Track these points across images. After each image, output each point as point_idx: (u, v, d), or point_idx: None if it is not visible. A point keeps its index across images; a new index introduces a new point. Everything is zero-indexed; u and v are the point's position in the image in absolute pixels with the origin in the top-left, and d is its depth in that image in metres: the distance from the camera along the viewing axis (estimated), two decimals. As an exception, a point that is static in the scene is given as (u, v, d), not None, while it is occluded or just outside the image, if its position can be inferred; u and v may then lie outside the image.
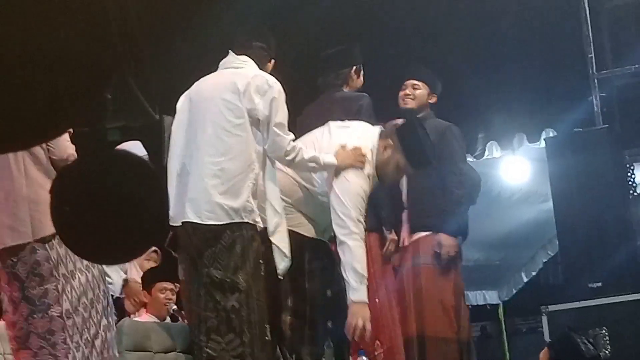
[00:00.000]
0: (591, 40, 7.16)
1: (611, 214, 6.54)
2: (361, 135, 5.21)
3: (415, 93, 6.21)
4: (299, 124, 5.68)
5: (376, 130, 5.30)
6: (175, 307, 6.30)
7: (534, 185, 9.34)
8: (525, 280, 11.03)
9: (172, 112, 4.99)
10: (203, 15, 6.36)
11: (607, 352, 6.05)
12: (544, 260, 10.88)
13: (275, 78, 4.89)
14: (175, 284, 6.28)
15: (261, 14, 6.20)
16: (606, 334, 6.07)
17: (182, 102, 4.95)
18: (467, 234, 6.07)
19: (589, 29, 7.15)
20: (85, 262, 4.57)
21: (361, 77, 5.99)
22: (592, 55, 7.17)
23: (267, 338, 4.71)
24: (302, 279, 5.01)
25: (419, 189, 5.95)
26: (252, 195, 4.70)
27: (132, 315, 6.39)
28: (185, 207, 4.64)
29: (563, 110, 8.08)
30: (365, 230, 5.19)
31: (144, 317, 6.23)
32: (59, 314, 4.48)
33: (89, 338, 4.52)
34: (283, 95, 4.82)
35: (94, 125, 1.75)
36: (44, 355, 4.47)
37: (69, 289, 4.52)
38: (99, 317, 4.62)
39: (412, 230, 6.01)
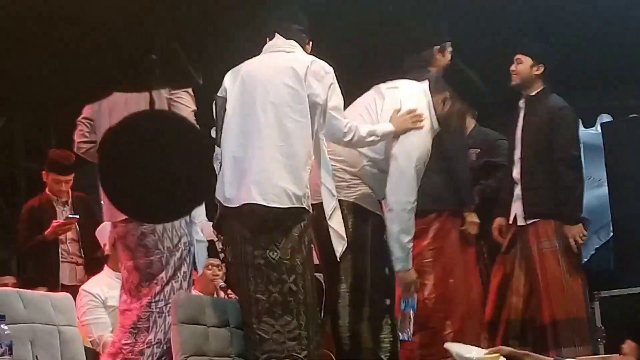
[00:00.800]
0: (651, 25, 7.07)
1: (667, 201, 6.49)
2: (412, 95, 5.23)
3: (518, 68, 6.17)
4: None
5: (424, 85, 5.30)
6: (223, 283, 6.33)
7: (588, 171, 9.22)
8: (577, 266, 10.92)
9: (215, 79, 4.99)
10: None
11: (657, 339, 6.00)
12: (596, 246, 10.76)
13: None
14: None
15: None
16: (658, 320, 6.02)
17: (231, 83, 4.95)
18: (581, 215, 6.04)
19: (649, 13, 7.06)
20: (184, 239, 4.81)
21: (447, 55, 5.95)
22: (652, 40, 7.08)
23: (319, 321, 4.80)
24: (364, 255, 5.06)
25: (533, 171, 5.96)
26: (309, 181, 4.78)
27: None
28: (250, 189, 4.67)
29: (619, 95, 8.00)
30: (443, 210, 5.45)
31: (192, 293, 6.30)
32: (156, 282, 4.71)
33: None
34: (336, 81, 4.89)
35: (141, 88, 1.78)
36: (142, 320, 4.82)
37: (172, 262, 4.76)
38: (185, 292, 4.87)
39: (527, 214, 6.02)
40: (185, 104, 4.90)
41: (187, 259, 4.99)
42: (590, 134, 8.46)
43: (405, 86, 5.30)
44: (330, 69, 4.88)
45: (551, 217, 5.97)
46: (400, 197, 5.02)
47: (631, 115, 7.50)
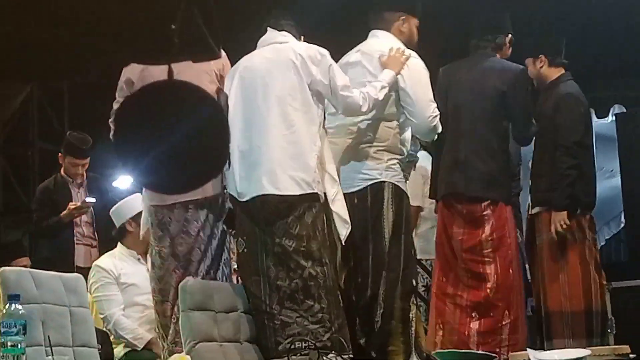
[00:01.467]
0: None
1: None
2: (378, 41, 5.33)
3: (528, 71, 6.13)
4: (445, 74, 5.80)
5: (374, 33, 5.39)
6: (236, 266, 6.36)
7: (600, 161, 9.20)
8: (588, 256, 10.91)
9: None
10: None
11: (668, 330, 5.99)
12: (607, 237, 10.76)
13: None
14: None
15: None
16: (669, 312, 6.01)
17: (230, 80, 5.01)
18: (582, 205, 5.97)
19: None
20: (221, 225, 4.88)
21: (510, 48, 5.94)
22: (667, 31, 7.05)
23: (341, 304, 4.85)
24: (398, 236, 5.14)
25: (541, 159, 5.96)
26: (317, 167, 4.83)
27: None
28: (260, 179, 4.77)
29: (633, 86, 7.98)
30: (498, 199, 5.55)
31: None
32: (195, 272, 4.87)
33: None
34: (333, 61, 4.97)
35: (160, 60, 1.77)
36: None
37: (210, 250, 4.83)
38: (223, 280, 4.92)
39: (533, 202, 6.06)
40: None
41: (226, 246, 5.08)
42: (603, 124, 8.43)
43: (365, 44, 5.38)
44: (325, 51, 4.96)
45: (546, 205, 5.96)
46: (429, 119, 5.18)
47: (645, 106, 7.48)
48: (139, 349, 5.78)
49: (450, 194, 5.66)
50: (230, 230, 5.11)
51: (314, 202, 4.80)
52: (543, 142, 6.00)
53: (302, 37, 5.18)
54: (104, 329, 5.74)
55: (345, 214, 4.93)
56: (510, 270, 5.60)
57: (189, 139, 1.72)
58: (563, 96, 5.99)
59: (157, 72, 4.40)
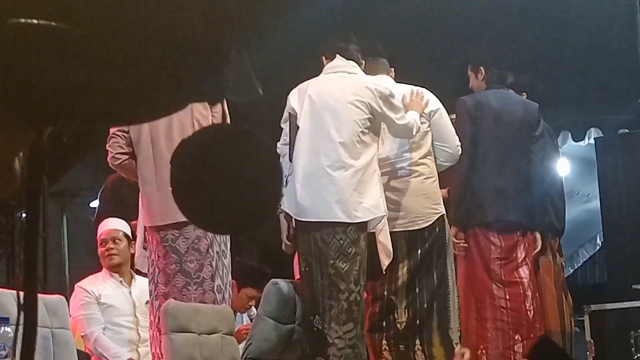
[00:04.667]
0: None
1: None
2: (388, 84, 5.39)
3: None
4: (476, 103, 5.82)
5: (383, 77, 5.47)
6: (254, 312, 6.32)
7: (577, 185, 9.29)
8: (563, 278, 10.99)
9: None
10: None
11: (648, 354, 6.03)
12: (584, 259, 10.85)
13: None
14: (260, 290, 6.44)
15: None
16: (648, 336, 6.05)
17: (298, 101, 5.14)
18: (555, 230, 6.11)
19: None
20: (229, 245, 4.99)
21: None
22: (645, 56, 7.10)
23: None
24: (453, 263, 5.41)
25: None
26: (380, 193, 5.05)
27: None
28: (331, 207, 4.92)
29: (611, 110, 8.05)
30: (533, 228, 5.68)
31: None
32: (211, 289, 4.86)
33: None
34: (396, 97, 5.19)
35: (213, 100, 1.81)
36: None
37: (220, 266, 4.82)
38: (225, 303, 4.97)
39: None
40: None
41: (228, 269, 5.10)
42: (579, 148, 8.49)
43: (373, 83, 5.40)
44: (391, 90, 5.17)
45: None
46: (457, 147, 5.48)
47: (621, 131, 7.55)
48: (119, 368, 5.74)
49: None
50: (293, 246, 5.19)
51: (369, 227, 4.98)
52: None
53: (364, 63, 5.30)
54: (86, 351, 5.70)
55: (389, 245, 5.10)
56: (537, 294, 5.68)
57: (246, 183, 1.75)
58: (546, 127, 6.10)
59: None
